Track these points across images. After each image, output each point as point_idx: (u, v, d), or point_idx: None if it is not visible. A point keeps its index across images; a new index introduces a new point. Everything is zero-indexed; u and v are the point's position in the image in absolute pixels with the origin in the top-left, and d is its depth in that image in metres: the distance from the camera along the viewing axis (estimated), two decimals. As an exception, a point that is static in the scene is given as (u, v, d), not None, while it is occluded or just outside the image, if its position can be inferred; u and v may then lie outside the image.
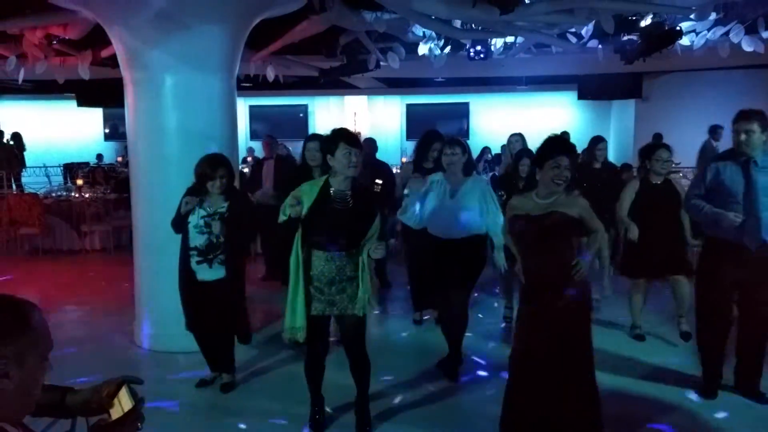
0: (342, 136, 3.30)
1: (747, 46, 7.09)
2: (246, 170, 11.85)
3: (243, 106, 15.62)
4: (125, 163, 11.06)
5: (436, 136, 5.16)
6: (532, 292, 3.27)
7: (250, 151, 14.15)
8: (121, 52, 4.91)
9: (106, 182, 10.69)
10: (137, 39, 4.71)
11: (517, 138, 5.86)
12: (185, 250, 3.99)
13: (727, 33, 7.04)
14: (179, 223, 3.98)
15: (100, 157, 14.76)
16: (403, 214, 4.40)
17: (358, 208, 3.33)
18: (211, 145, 4.78)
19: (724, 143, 7.50)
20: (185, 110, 4.75)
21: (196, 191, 3.96)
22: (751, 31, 6.96)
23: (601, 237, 3.35)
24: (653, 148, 4.97)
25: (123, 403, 1.53)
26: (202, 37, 4.69)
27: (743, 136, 3.62)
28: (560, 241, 3.19)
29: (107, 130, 16.76)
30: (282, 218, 3.28)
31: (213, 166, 3.93)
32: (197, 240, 3.94)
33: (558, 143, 3.28)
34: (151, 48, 4.68)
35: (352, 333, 3.47)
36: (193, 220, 3.95)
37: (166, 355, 4.80)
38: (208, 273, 3.97)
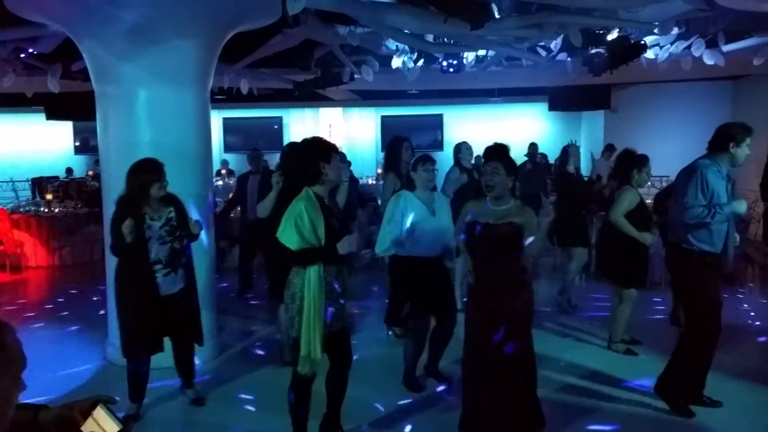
0: (332, 145, 3.33)
1: (708, 60, 7.31)
2: (220, 183, 11.82)
3: (217, 119, 15.54)
4: (96, 177, 10.92)
5: (403, 140, 5.26)
6: (482, 294, 3.43)
7: (224, 163, 14.07)
8: (93, 65, 4.89)
9: (77, 196, 10.53)
10: (109, 53, 4.70)
11: (468, 147, 6.08)
12: (147, 266, 3.77)
13: (689, 47, 7.27)
14: (129, 249, 3.70)
15: (70, 171, 14.52)
16: (383, 247, 4.30)
17: (338, 213, 3.38)
18: (185, 158, 4.79)
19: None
20: (158, 124, 4.74)
21: (133, 202, 3.75)
22: (712, 45, 7.18)
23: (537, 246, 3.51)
24: (644, 159, 4.99)
25: (102, 423, 1.51)
26: (175, 51, 4.70)
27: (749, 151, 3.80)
28: (511, 249, 3.38)
29: (78, 144, 16.51)
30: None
31: (157, 168, 3.80)
32: (161, 252, 3.80)
33: (489, 150, 3.47)
34: (124, 62, 4.66)
35: (347, 342, 3.48)
36: (153, 232, 3.77)
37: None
38: (172, 285, 3.87)
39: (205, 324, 4.97)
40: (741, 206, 3.79)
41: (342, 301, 3.31)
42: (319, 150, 3.26)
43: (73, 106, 10.95)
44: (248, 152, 7.42)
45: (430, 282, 4.22)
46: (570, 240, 6.22)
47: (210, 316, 5.09)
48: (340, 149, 7.45)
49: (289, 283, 3.26)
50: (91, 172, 13.63)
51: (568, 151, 6.38)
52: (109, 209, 4.92)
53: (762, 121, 10.87)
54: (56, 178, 13.60)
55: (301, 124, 16.17)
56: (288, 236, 3.15)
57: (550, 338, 5.48)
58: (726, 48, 7.21)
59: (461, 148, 6.03)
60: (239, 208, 7.32)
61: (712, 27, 7.09)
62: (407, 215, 4.15)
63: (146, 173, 3.77)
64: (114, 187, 4.83)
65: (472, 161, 6.21)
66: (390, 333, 5.57)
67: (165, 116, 4.75)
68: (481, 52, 8.36)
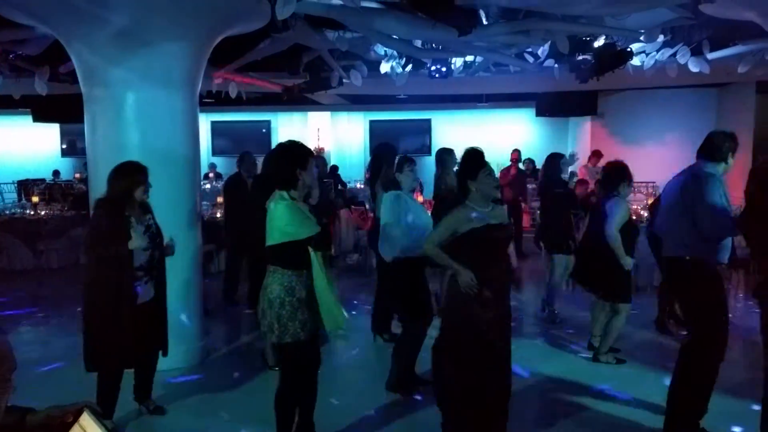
0: (308, 150, 3.30)
1: (693, 67, 7.42)
2: (208, 186, 11.78)
3: (205, 122, 15.50)
4: (84, 180, 10.84)
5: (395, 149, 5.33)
6: (495, 298, 3.34)
7: (212, 167, 14.04)
8: (81, 68, 4.87)
9: (63, 199, 10.45)
10: (98, 56, 4.68)
11: (447, 152, 6.07)
12: (131, 274, 3.63)
13: (674, 54, 7.36)
14: (122, 255, 3.58)
15: (57, 173, 14.41)
16: (390, 247, 4.25)
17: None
18: (173, 161, 4.78)
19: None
20: (147, 127, 4.73)
21: (117, 205, 3.65)
22: (697, 52, 7.29)
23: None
24: (627, 170, 4.93)
25: (88, 429, 1.52)
26: (164, 55, 4.69)
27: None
28: (507, 249, 3.46)
29: (64, 146, 16.39)
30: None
31: (142, 172, 3.71)
32: (140, 258, 3.68)
33: (480, 155, 3.46)
34: (112, 65, 4.65)
35: (317, 348, 3.45)
36: (138, 240, 3.63)
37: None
38: (146, 294, 3.76)
39: (191, 328, 4.99)
40: None
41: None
42: (296, 155, 3.22)
43: (60, 108, 10.86)
44: (239, 155, 7.24)
45: (424, 283, 4.31)
46: (558, 246, 6.21)
47: (196, 321, 5.08)
48: (324, 153, 7.48)
49: (265, 289, 3.22)
50: (78, 175, 13.54)
51: (561, 162, 6.39)
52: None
53: (746, 128, 11.07)
54: (42, 180, 13.49)
55: (289, 128, 16.17)
56: (275, 236, 3.14)
57: (534, 347, 5.49)
58: (710, 56, 7.32)
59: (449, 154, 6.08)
60: (225, 212, 7.24)
61: (696, 35, 7.19)
62: (409, 216, 4.20)
63: (131, 176, 3.69)
64: (102, 190, 4.82)
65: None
66: (377, 338, 5.55)
67: (153, 119, 4.74)
68: (469, 58, 8.41)
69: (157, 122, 4.75)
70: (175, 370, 4.70)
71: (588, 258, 5.08)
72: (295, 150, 3.26)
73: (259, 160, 5.55)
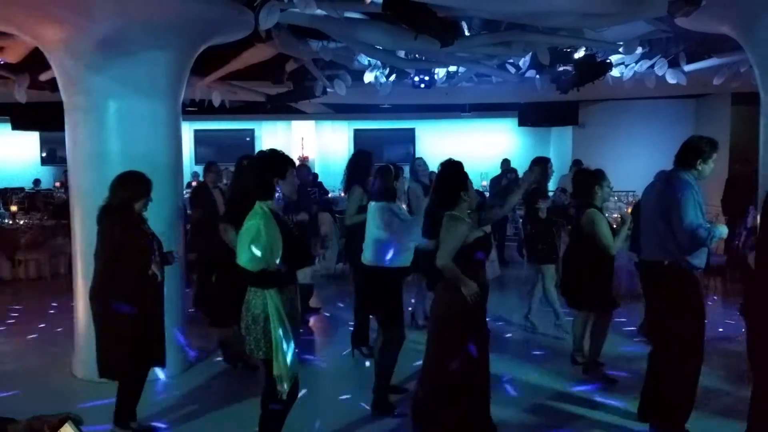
0: (288, 159, 3.25)
1: (671, 79, 7.56)
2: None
3: (188, 131, 15.42)
4: (64, 188, 10.73)
5: (371, 154, 5.36)
6: (480, 308, 3.48)
7: (195, 175, 13.94)
8: (62, 76, 4.85)
9: (44, 208, 10.33)
10: (79, 64, 4.67)
11: (420, 162, 6.18)
12: (153, 278, 3.71)
13: (652, 66, 7.50)
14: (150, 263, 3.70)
15: (37, 182, 14.22)
16: (381, 256, 4.20)
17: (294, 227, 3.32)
18: (156, 170, 4.76)
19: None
20: (129, 136, 4.71)
21: (129, 211, 3.67)
22: (674, 64, 7.43)
23: None
24: (601, 174, 4.88)
25: None
26: (146, 64, 4.69)
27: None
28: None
29: (44, 155, 16.18)
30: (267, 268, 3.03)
31: (147, 184, 3.71)
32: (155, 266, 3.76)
33: (462, 167, 3.61)
34: (94, 73, 4.64)
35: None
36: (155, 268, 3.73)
37: (108, 386, 4.66)
38: None
39: (173, 338, 4.95)
40: (724, 231, 3.72)
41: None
42: (274, 165, 3.16)
43: (40, 116, 10.76)
44: (224, 164, 7.20)
45: (401, 293, 4.31)
46: (544, 257, 6.10)
47: (178, 330, 5.05)
48: (308, 162, 7.44)
49: (247, 304, 3.14)
50: (58, 184, 13.38)
51: (549, 170, 6.25)
52: (77, 221, 4.88)
53: (722, 138, 11.24)
54: (21, 189, 13.31)
55: (273, 137, 16.14)
56: (245, 258, 3.03)
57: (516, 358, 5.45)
58: (687, 68, 7.47)
59: (419, 164, 6.09)
60: (191, 224, 7.03)
61: (673, 47, 7.35)
62: (403, 224, 4.21)
63: (135, 187, 3.69)
64: (83, 199, 4.79)
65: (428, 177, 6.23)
66: (356, 352, 5.34)
67: (135, 128, 4.73)
68: (452, 68, 8.50)
69: (138, 131, 4.74)
70: (157, 381, 4.66)
71: (571, 272, 5.02)
72: (273, 159, 3.19)
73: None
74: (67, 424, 1.54)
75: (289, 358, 3.06)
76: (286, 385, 3.10)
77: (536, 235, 6.14)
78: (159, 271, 3.76)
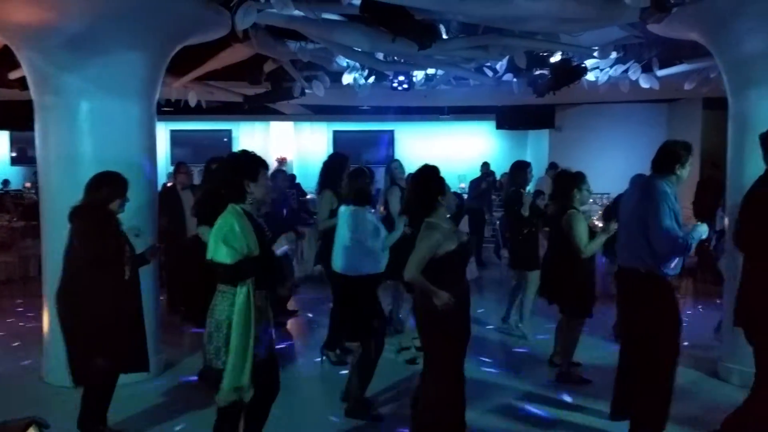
0: (260, 160, 3.08)
1: (644, 83, 7.69)
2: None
3: (164, 131, 15.26)
4: (35, 189, 10.53)
5: (347, 158, 5.24)
6: (461, 314, 3.42)
7: (171, 176, 13.80)
8: (32, 75, 4.76)
9: (13, 209, 10.12)
10: (50, 63, 4.59)
11: (396, 165, 6.12)
12: (133, 279, 3.67)
13: (626, 71, 7.63)
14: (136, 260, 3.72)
15: (6, 182, 13.94)
16: (350, 262, 4.10)
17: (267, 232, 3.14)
18: (129, 172, 4.69)
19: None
20: (101, 137, 4.64)
21: (106, 211, 3.59)
22: (647, 69, 7.56)
23: None
24: (581, 176, 4.85)
25: None
26: (119, 63, 4.63)
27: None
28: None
29: (14, 154, 15.85)
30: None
31: (123, 184, 3.62)
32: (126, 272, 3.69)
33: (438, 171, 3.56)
34: (65, 72, 4.56)
35: (276, 369, 3.27)
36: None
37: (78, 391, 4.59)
38: None
39: (149, 340, 4.89)
40: (704, 230, 3.71)
41: (271, 329, 3.15)
42: (245, 166, 3.02)
43: (9, 115, 10.54)
44: (201, 165, 7.00)
45: (378, 301, 4.19)
46: (527, 263, 5.99)
47: (153, 334, 4.99)
48: (286, 163, 7.36)
49: (212, 310, 2.98)
50: (28, 184, 13.13)
51: (529, 175, 6.24)
52: (48, 223, 4.79)
53: (693, 142, 11.42)
54: (-10, 189, 13.05)
55: (251, 138, 16.04)
56: (221, 252, 2.89)
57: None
58: (660, 73, 7.61)
59: (395, 167, 6.01)
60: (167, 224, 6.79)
61: (646, 53, 7.48)
62: (379, 230, 4.11)
63: (111, 187, 3.60)
64: (53, 200, 4.71)
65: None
66: (324, 359, 5.24)
67: (108, 129, 4.66)
68: (431, 71, 8.53)
69: (111, 132, 4.67)
70: (132, 385, 4.59)
71: (551, 276, 5.01)
72: (244, 160, 3.05)
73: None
74: (31, 429, 1.51)
75: (245, 369, 2.90)
76: (230, 397, 2.95)
77: (519, 241, 6.03)
78: (131, 271, 3.68)
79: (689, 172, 3.83)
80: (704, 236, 3.75)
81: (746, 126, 4.65)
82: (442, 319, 3.34)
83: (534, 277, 5.80)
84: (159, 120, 5.40)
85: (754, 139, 4.52)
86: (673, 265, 3.72)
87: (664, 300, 3.73)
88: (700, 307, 7.39)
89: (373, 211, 4.14)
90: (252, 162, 3.04)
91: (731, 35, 4.62)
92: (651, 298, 3.74)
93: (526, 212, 5.88)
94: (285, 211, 6.36)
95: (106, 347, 3.56)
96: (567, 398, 4.61)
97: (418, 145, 15.84)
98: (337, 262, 4.15)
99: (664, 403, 3.76)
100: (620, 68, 7.69)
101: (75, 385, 3.66)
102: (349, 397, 4.19)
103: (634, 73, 7.60)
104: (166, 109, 10.15)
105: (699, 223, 3.73)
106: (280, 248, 3.13)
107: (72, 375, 3.63)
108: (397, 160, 6.34)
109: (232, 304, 2.90)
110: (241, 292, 2.89)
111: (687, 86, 7.94)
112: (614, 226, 4.28)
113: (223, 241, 2.87)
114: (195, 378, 4.89)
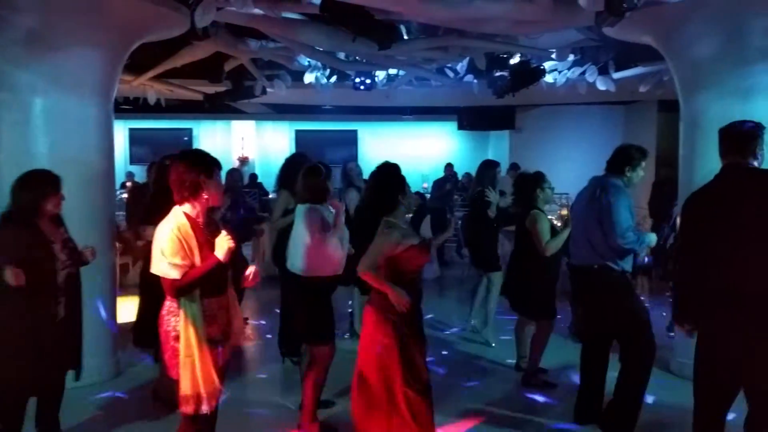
0: (214, 159, 2.93)
1: (600, 86, 7.91)
2: (125, 196, 11.34)
3: (122, 129, 14.95)
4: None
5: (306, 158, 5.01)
6: (415, 315, 3.37)
7: (130, 175, 13.50)
8: (-17, 71, 4.61)
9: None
10: (2, 59, 4.44)
11: (353, 166, 6.01)
12: (50, 292, 3.24)
13: (583, 73, 7.83)
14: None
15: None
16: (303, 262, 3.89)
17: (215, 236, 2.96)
18: (87, 171, 4.61)
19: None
20: (57, 135, 4.53)
21: (25, 219, 3.23)
22: (604, 72, 7.77)
23: None
24: (541, 176, 4.80)
25: None
26: (75, 59, 4.53)
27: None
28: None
29: (-35, 153, 15.31)
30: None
31: (53, 181, 3.27)
32: (59, 278, 3.31)
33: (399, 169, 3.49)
34: (19, 69, 4.43)
35: (222, 379, 3.05)
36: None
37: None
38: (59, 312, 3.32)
39: (106, 342, 4.80)
40: (653, 239, 3.88)
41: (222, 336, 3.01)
42: (199, 164, 2.86)
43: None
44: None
45: (330, 302, 4.02)
46: (489, 264, 5.87)
47: (110, 334, 4.90)
48: (248, 163, 7.21)
49: (162, 321, 2.88)
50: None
51: (498, 175, 6.08)
52: (-1, 223, 4.64)
53: (649, 143, 11.83)
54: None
55: (212, 136, 15.85)
56: (162, 266, 2.75)
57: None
58: (616, 75, 7.83)
59: (351, 168, 5.87)
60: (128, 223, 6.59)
61: (603, 56, 7.69)
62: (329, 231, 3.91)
63: (40, 186, 3.29)
64: (5, 200, 4.55)
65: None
66: (286, 361, 5.15)
67: (64, 127, 4.55)
68: (393, 71, 8.59)
69: (68, 130, 4.56)
70: (89, 386, 4.49)
71: (517, 274, 4.93)
72: (198, 157, 2.90)
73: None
74: None
75: (201, 378, 2.80)
76: (198, 408, 2.83)
77: (481, 241, 5.90)
78: (66, 275, 3.35)
79: (642, 177, 3.95)
80: (652, 245, 3.87)
81: (696, 127, 4.80)
82: (391, 320, 3.25)
83: (497, 279, 5.74)
84: (117, 118, 5.30)
85: (705, 140, 4.71)
86: (627, 261, 3.80)
87: (620, 293, 3.79)
88: (654, 303, 7.54)
89: (332, 210, 3.99)
90: (206, 159, 2.90)
91: (681, 40, 4.78)
92: (607, 293, 3.80)
93: (493, 213, 5.74)
94: (241, 211, 6.29)
95: (8, 366, 3.19)
96: (532, 402, 4.55)
97: (381, 145, 15.92)
98: (294, 262, 3.96)
99: (636, 400, 3.79)
100: (577, 70, 7.89)
101: None
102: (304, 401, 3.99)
103: (591, 76, 7.81)
104: (124, 106, 9.95)
105: (649, 233, 3.86)
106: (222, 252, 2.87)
107: None
108: (353, 162, 6.19)
109: (185, 313, 2.79)
110: (189, 305, 2.79)
111: (642, 89, 8.18)
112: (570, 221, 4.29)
113: (163, 253, 2.74)
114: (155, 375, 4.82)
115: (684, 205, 3.16)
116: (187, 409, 2.83)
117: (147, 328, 4.10)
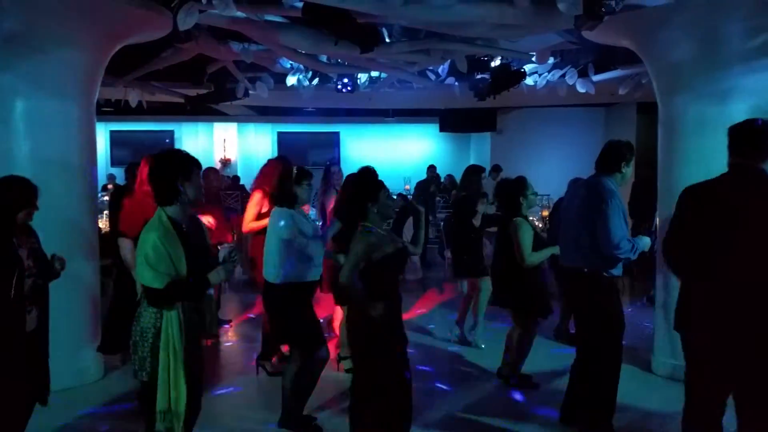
0: (193, 159, 2.86)
1: (580, 88, 8.01)
2: (106, 198, 11.21)
3: (103, 132, 14.81)
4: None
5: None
6: (398, 328, 3.28)
7: (111, 178, 13.38)
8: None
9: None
10: (-19, 60, 4.41)
11: (335, 169, 5.86)
12: (19, 300, 3.05)
13: (563, 76, 7.92)
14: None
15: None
16: (278, 269, 3.81)
17: (199, 239, 2.91)
18: (67, 173, 4.58)
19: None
20: (38, 138, 4.50)
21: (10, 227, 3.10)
22: (583, 74, 7.88)
23: None
24: (524, 182, 4.72)
25: None
26: (57, 62, 4.51)
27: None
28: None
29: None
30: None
31: (29, 192, 3.11)
32: (25, 285, 3.12)
33: (376, 173, 3.41)
34: (0, 70, 4.40)
35: (200, 386, 3.01)
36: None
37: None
38: (30, 323, 3.15)
39: (88, 345, 4.76)
40: (647, 243, 3.78)
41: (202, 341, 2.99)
42: (178, 165, 2.78)
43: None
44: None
45: (312, 310, 3.94)
46: (475, 271, 5.77)
47: (94, 335, 4.87)
48: (230, 165, 7.08)
49: (138, 317, 2.77)
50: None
51: (482, 180, 6.09)
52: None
53: (628, 145, 12.03)
54: None
55: (194, 138, 15.76)
56: (147, 276, 2.67)
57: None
58: (595, 78, 7.94)
59: (334, 171, 5.71)
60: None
61: (582, 58, 7.81)
62: (304, 237, 3.85)
63: (14, 195, 3.11)
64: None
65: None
66: (261, 369, 4.98)
67: (46, 129, 4.52)
68: (375, 74, 8.62)
69: (49, 132, 4.53)
70: (72, 390, 4.48)
71: (502, 277, 4.87)
72: (176, 158, 2.82)
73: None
74: None
75: (180, 392, 2.68)
76: (166, 424, 2.70)
77: (466, 247, 5.77)
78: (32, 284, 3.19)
79: (629, 174, 3.91)
80: (646, 249, 3.77)
81: (674, 129, 4.89)
82: (376, 333, 3.17)
83: (486, 284, 5.59)
84: (98, 120, 5.27)
85: (682, 142, 4.80)
86: (617, 266, 3.75)
87: (607, 300, 3.73)
88: (636, 303, 7.60)
89: (313, 218, 3.93)
90: (185, 159, 2.83)
91: (659, 43, 4.87)
92: (594, 298, 3.74)
93: (478, 222, 5.66)
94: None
95: None
96: (516, 404, 4.53)
97: (364, 147, 15.95)
98: (269, 270, 3.86)
99: (609, 400, 3.80)
100: (558, 73, 7.99)
101: None
102: (284, 407, 3.92)
103: (571, 78, 7.91)
104: (105, 109, 9.86)
105: (643, 237, 3.78)
106: (217, 279, 2.88)
107: None
108: (335, 164, 6.00)
109: (160, 312, 2.73)
110: (170, 313, 2.73)
111: (621, 91, 8.30)
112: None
113: (147, 262, 2.67)
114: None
115: (683, 197, 2.95)
116: (164, 425, 2.72)
117: (115, 332, 4.10)
